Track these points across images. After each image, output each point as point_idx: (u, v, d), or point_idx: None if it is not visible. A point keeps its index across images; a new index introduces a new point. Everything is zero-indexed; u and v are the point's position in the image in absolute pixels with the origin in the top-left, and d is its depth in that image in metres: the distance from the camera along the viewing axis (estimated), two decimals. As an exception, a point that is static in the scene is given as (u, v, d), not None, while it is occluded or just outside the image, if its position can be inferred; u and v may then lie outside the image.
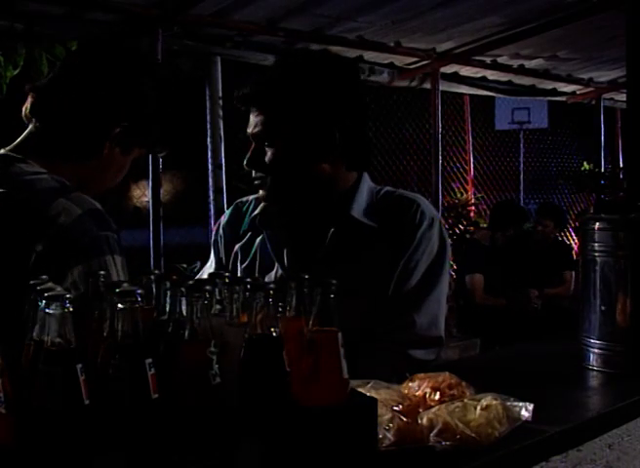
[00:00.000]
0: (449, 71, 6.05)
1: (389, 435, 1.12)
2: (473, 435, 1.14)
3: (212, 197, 5.00)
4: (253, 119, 1.70)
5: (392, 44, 5.32)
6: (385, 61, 5.65)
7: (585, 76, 6.85)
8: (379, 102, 7.22)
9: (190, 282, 0.97)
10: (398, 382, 1.32)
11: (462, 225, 7.06)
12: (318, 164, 1.69)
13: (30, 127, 1.55)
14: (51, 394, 0.84)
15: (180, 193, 8.78)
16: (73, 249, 1.37)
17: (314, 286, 1.05)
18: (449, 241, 1.81)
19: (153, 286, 1.06)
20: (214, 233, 1.94)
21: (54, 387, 0.84)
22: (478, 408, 1.19)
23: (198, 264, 4.47)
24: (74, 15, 4.12)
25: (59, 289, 0.90)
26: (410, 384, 1.30)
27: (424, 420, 1.16)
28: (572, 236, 8.39)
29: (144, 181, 5.49)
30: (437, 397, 1.26)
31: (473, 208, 7.55)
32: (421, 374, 1.33)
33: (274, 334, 1.00)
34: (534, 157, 9.40)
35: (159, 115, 1.60)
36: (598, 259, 1.72)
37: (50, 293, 0.87)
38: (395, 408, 1.18)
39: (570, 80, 6.80)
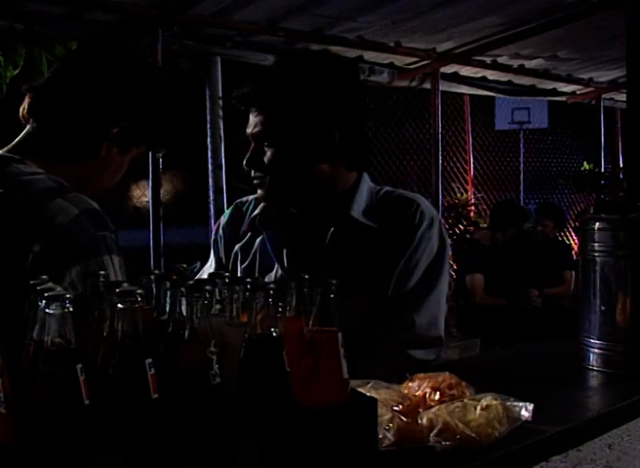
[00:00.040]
0: (449, 71, 6.05)
1: (389, 435, 1.12)
2: (473, 435, 1.14)
3: (212, 197, 5.00)
4: (252, 119, 1.70)
5: (392, 44, 5.31)
6: (385, 61, 5.65)
7: (585, 76, 6.85)
8: (379, 102, 7.22)
9: (190, 282, 0.97)
10: (398, 382, 1.32)
11: (462, 225, 7.06)
12: (318, 164, 1.69)
13: (28, 127, 1.55)
14: (51, 394, 0.84)
15: (179, 193, 8.78)
16: (71, 249, 1.37)
17: (314, 286, 1.05)
18: (448, 241, 1.81)
19: (153, 286, 1.06)
20: (213, 233, 1.94)
21: (54, 387, 0.84)
22: (478, 408, 1.19)
23: (198, 264, 4.47)
24: (74, 15, 4.12)
25: (58, 289, 0.90)
26: (410, 384, 1.30)
27: (424, 420, 1.16)
28: (572, 236, 8.39)
29: (144, 181, 5.49)
30: (437, 397, 1.26)
31: (473, 208, 7.55)
32: (421, 374, 1.33)
33: (274, 334, 1.00)
34: (534, 157, 9.40)
35: (158, 115, 1.60)
36: (598, 259, 1.72)
37: (50, 293, 0.87)
38: (395, 408, 1.18)
39: (570, 80, 6.80)
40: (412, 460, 1.12)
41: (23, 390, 0.86)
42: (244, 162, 1.73)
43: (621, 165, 7.88)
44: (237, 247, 1.85)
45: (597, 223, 1.73)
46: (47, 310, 0.86)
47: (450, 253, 1.78)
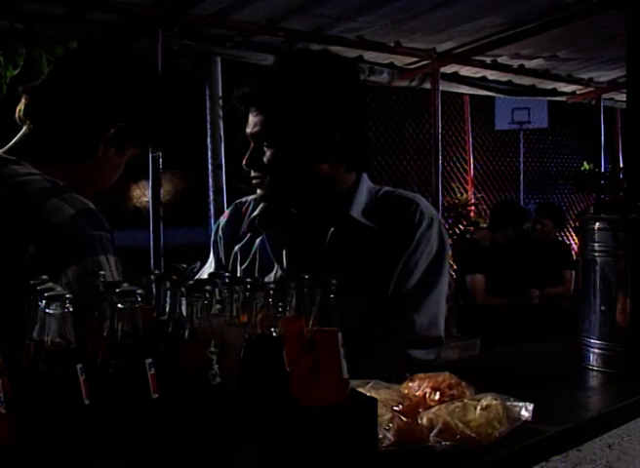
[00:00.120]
0: (449, 71, 6.05)
1: (389, 435, 1.12)
2: (473, 435, 1.14)
3: (212, 197, 5.00)
4: (252, 119, 1.70)
5: (392, 44, 5.31)
6: (385, 61, 5.65)
7: (585, 76, 6.85)
8: (379, 102, 7.22)
9: (190, 282, 0.97)
10: (398, 382, 1.32)
11: (462, 225, 7.06)
12: (317, 164, 1.69)
13: (24, 128, 1.55)
14: (51, 394, 0.84)
15: (179, 193, 8.78)
16: (67, 249, 1.37)
17: (314, 286, 1.05)
18: (448, 241, 1.81)
19: (153, 286, 1.06)
20: (213, 234, 1.94)
21: (54, 387, 0.84)
22: (478, 408, 1.19)
23: (198, 264, 4.47)
24: (74, 15, 4.12)
25: (58, 289, 0.90)
26: (410, 384, 1.30)
27: (424, 420, 1.16)
28: (572, 236, 8.39)
29: (144, 181, 5.49)
30: (437, 397, 1.26)
31: (473, 208, 7.55)
32: (421, 374, 1.33)
33: (274, 334, 1.00)
34: (534, 157, 9.40)
35: (158, 115, 1.60)
36: (598, 259, 1.72)
37: (50, 293, 0.87)
38: (395, 408, 1.18)
39: (570, 80, 6.80)
40: (412, 460, 1.12)
41: (23, 390, 0.86)
42: (243, 162, 1.73)
43: (621, 165, 7.88)
44: (237, 247, 1.85)
45: (597, 223, 1.73)
46: (47, 310, 0.86)
47: (450, 253, 1.78)
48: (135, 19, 4.25)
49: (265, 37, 4.83)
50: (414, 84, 6.07)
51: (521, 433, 1.21)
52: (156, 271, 1.08)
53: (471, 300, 5.27)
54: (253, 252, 1.82)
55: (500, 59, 5.97)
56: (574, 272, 5.40)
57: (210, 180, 5.02)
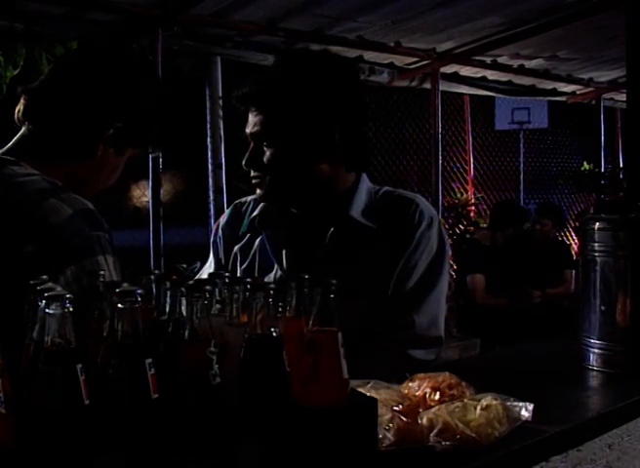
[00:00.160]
0: (449, 71, 6.05)
1: (389, 435, 1.12)
2: (473, 435, 1.14)
3: (212, 197, 5.00)
4: (252, 119, 1.70)
5: (392, 44, 5.32)
6: (385, 61, 5.65)
7: (585, 76, 6.85)
8: (379, 102, 7.22)
9: (190, 282, 0.97)
10: (398, 382, 1.32)
11: (462, 225, 7.06)
12: (317, 164, 1.69)
13: (23, 129, 1.55)
14: (51, 394, 0.84)
15: (179, 193, 8.78)
16: (65, 249, 1.37)
17: (314, 286, 1.05)
18: (448, 241, 1.81)
19: (153, 286, 1.06)
20: (213, 234, 1.94)
21: (54, 387, 0.84)
22: (478, 408, 1.19)
23: (198, 264, 4.47)
24: (74, 15, 4.12)
25: (58, 289, 0.90)
26: (410, 384, 1.30)
27: (424, 420, 1.16)
28: (572, 236, 8.39)
29: (144, 181, 5.49)
30: (437, 397, 1.26)
31: (473, 208, 7.55)
32: (421, 374, 1.33)
33: (274, 334, 1.00)
34: (534, 157, 9.41)
35: (158, 115, 1.60)
36: (598, 259, 1.72)
37: (50, 293, 0.87)
38: (395, 408, 1.18)
39: (570, 80, 6.80)
40: (412, 460, 1.12)
41: (23, 390, 0.86)
42: (243, 162, 1.73)
43: (621, 165, 7.88)
44: (236, 248, 1.85)
45: (597, 223, 1.73)
46: (47, 310, 0.86)
47: (449, 252, 1.78)
48: (135, 19, 4.25)
49: (265, 37, 4.83)
50: (414, 84, 6.07)
51: (521, 433, 1.21)
52: (156, 271, 1.08)
53: (471, 300, 5.27)
54: (252, 252, 1.82)
55: (500, 59, 5.97)
56: (574, 272, 5.40)
57: (210, 180, 5.02)
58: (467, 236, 6.56)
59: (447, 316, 1.83)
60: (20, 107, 1.55)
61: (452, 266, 5.62)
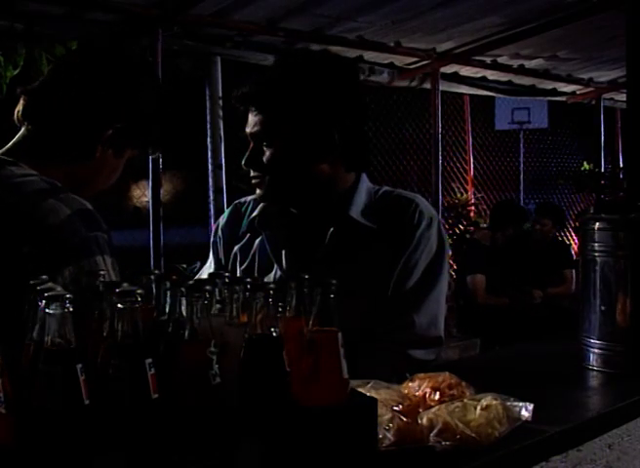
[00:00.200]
0: (449, 71, 6.05)
1: (389, 435, 1.12)
2: (473, 435, 1.14)
3: (212, 197, 5.00)
4: (251, 118, 1.70)
5: (392, 44, 5.32)
6: (385, 61, 5.65)
7: (585, 76, 6.85)
8: (379, 102, 7.22)
9: (190, 282, 0.97)
10: (398, 382, 1.32)
11: (462, 225, 7.07)
12: (317, 164, 1.69)
13: (22, 130, 1.55)
14: (51, 394, 0.84)
15: (180, 193, 8.78)
16: (63, 249, 1.37)
17: (314, 286, 1.05)
18: (448, 241, 1.81)
19: (153, 286, 1.06)
20: (212, 234, 1.94)
21: (54, 387, 0.84)
22: (478, 408, 1.19)
23: (198, 264, 4.47)
24: (74, 15, 4.12)
25: (59, 289, 0.90)
26: (410, 384, 1.30)
27: (424, 420, 1.16)
28: (572, 236, 8.40)
29: (144, 181, 5.49)
30: (437, 397, 1.26)
31: (473, 208, 7.55)
32: (421, 374, 1.33)
33: (274, 334, 1.00)
34: (534, 157, 9.41)
35: (156, 116, 1.60)
36: (598, 259, 1.72)
37: (50, 293, 0.87)
38: (395, 408, 1.18)
39: (570, 80, 6.80)
40: (412, 460, 1.12)
41: (23, 390, 0.86)
42: (243, 162, 1.73)
43: (621, 165, 7.88)
44: (236, 248, 1.85)
45: (597, 223, 1.73)
46: (47, 310, 0.86)
47: (449, 252, 1.78)
48: (135, 19, 4.25)
49: (265, 37, 4.83)
50: (414, 84, 6.07)
51: (521, 433, 1.21)
52: (156, 271, 1.08)
53: (472, 300, 5.27)
54: (252, 252, 1.82)
55: (500, 59, 5.97)
56: (574, 271, 5.40)
57: (210, 180, 5.02)
58: (467, 236, 6.56)
59: (447, 316, 1.83)
60: (19, 108, 1.55)
61: (452, 266, 5.63)
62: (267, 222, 1.79)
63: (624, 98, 4.59)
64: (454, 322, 5.37)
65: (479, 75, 6.34)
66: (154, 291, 1.05)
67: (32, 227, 1.37)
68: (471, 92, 6.68)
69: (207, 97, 4.97)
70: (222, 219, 1.93)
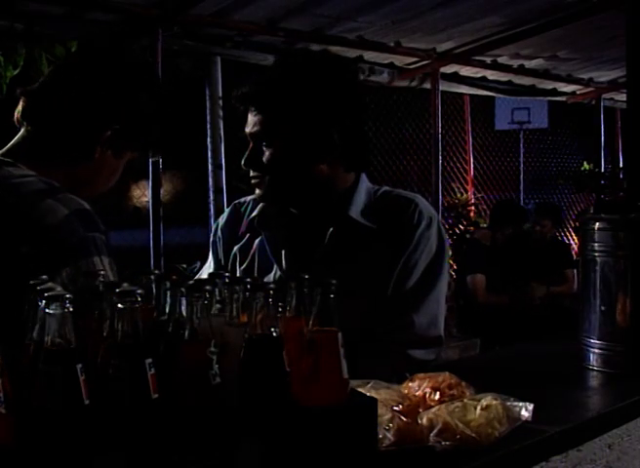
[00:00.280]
0: (449, 71, 6.05)
1: (389, 435, 1.12)
2: (473, 435, 1.14)
3: (212, 197, 5.00)
4: (251, 118, 1.70)
5: (392, 44, 5.31)
6: (385, 61, 5.65)
7: (585, 76, 6.85)
8: (379, 102, 7.22)
9: (190, 282, 0.97)
10: (398, 382, 1.32)
11: (462, 225, 7.07)
12: (316, 164, 1.69)
13: (22, 130, 1.55)
14: (51, 394, 0.84)
15: (179, 193, 8.79)
16: (61, 250, 1.37)
17: (314, 286, 1.05)
18: (448, 240, 1.81)
19: (153, 286, 1.06)
20: (212, 234, 1.94)
21: (54, 387, 0.84)
22: (478, 408, 1.19)
23: (198, 264, 4.47)
24: (74, 15, 4.12)
25: (58, 289, 0.90)
26: (410, 384, 1.30)
27: (424, 420, 1.16)
28: (572, 236, 8.40)
29: (144, 181, 5.49)
30: (437, 397, 1.26)
31: (473, 208, 7.56)
32: (421, 374, 1.33)
33: (274, 334, 1.00)
34: (534, 157, 9.41)
35: (155, 117, 1.60)
36: (598, 259, 1.72)
37: (50, 293, 0.87)
38: (395, 408, 1.18)
39: (570, 80, 6.80)
40: (412, 460, 1.12)
41: (23, 390, 0.86)
42: (242, 161, 1.73)
43: (621, 165, 7.88)
44: (236, 248, 1.85)
45: (597, 223, 1.73)
46: (47, 310, 0.86)
47: (449, 252, 1.78)
48: (135, 19, 4.25)
49: (265, 37, 4.83)
50: (414, 84, 6.07)
51: (521, 433, 1.21)
52: (156, 271, 1.08)
53: (472, 300, 5.27)
54: (252, 252, 1.81)
55: (500, 59, 5.97)
56: (575, 271, 5.40)
57: (210, 180, 5.02)
58: (467, 236, 6.56)
59: (447, 316, 1.83)
60: (19, 109, 1.55)
61: (452, 266, 5.63)
62: (267, 222, 1.79)
63: (624, 98, 4.59)
64: (454, 322, 5.37)
65: (479, 75, 6.34)
66: (154, 291, 1.05)
67: (30, 227, 1.37)
68: (471, 92, 6.68)
69: (207, 97, 4.97)
70: (222, 220, 1.93)
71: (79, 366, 0.85)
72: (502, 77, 6.45)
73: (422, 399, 1.26)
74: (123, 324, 0.89)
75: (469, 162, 8.09)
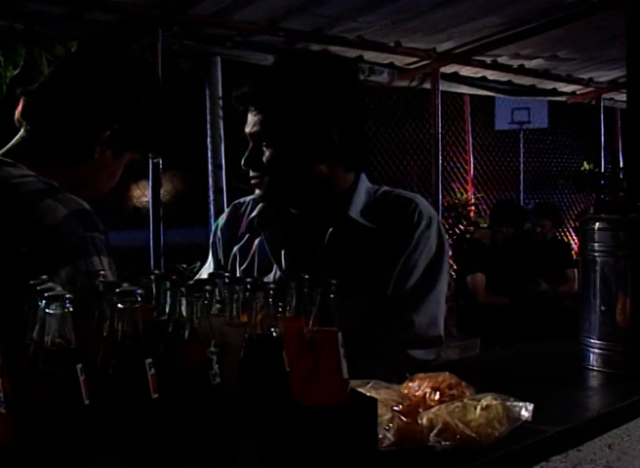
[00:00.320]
0: (449, 71, 6.05)
1: (389, 435, 1.12)
2: (473, 435, 1.14)
3: (212, 197, 5.00)
4: (251, 118, 1.69)
5: (392, 44, 5.32)
6: (385, 61, 5.65)
7: (585, 76, 6.85)
8: (379, 102, 7.22)
9: (190, 282, 0.97)
10: (398, 382, 1.32)
11: (462, 225, 7.07)
12: (316, 164, 1.69)
13: (22, 131, 1.55)
14: (51, 394, 0.84)
15: (179, 193, 8.79)
16: (60, 249, 1.37)
17: (314, 286, 1.05)
18: (447, 240, 1.81)
19: (153, 286, 1.06)
20: (212, 235, 1.94)
21: (54, 387, 0.84)
22: (478, 408, 1.19)
23: (198, 264, 4.47)
24: (74, 15, 4.12)
25: (58, 289, 0.90)
26: (410, 384, 1.30)
27: (424, 420, 1.16)
28: (572, 235, 8.40)
29: (144, 181, 5.49)
30: (437, 397, 1.26)
31: (473, 208, 7.56)
32: (421, 374, 1.33)
33: (274, 334, 1.00)
34: (534, 157, 9.41)
35: (154, 117, 1.60)
36: (598, 259, 1.72)
37: (50, 293, 0.87)
38: (395, 408, 1.18)
39: (570, 80, 6.80)
40: (412, 460, 1.12)
41: (23, 390, 0.86)
42: (242, 162, 1.72)
43: (621, 165, 7.88)
44: (235, 248, 1.85)
45: (597, 223, 1.73)
46: (47, 310, 0.86)
47: (449, 252, 1.78)
48: (135, 19, 4.25)
49: (265, 37, 4.83)
50: (414, 84, 6.07)
51: (521, 433, 1.21)
52: (156, 271, 1.08)
53: (472, 300, 5.27)
54: (251, 252, 1.81)
55: (500, 59, 5.97)
56: (575, 270, 5.40)
57: (210, 180, 5.02)
58: (467, 236, 6.56)
59: (447, 316, 1.83)
60: (19, 109, 1.55)
61: (452, 266, 5.63)
62: (267, 222, 1.79)
63: (624, 98, 4.59)
64: (454, 322, 5.37)
65: (479, 75, 6.34)
66: (154, 291, 1.06)
67: (30, 227, 1.37)
68: (471, 92, 6.68)
69: (207, 97, 4.97)
70: (222, 220, 1.93)
71: (79, 366, 0.85)
72: (502, 77, 6.45)
73: (422, 399, 1.26)
74: (123, 324, 0.89)
75: (469, 162, 8.09)
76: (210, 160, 4.99)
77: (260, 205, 1.80)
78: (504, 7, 4.73)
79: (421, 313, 1.69)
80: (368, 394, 1.14)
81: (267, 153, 1.68)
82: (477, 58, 5.85)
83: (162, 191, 4.59)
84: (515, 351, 2.11)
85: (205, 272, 1.91)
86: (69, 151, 1.53)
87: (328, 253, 1.71)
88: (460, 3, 4.59)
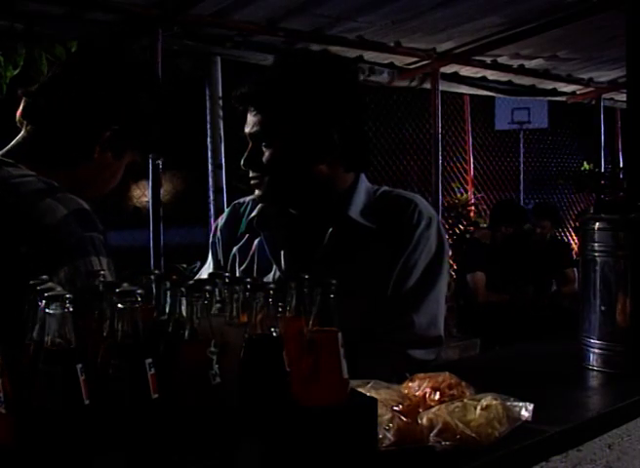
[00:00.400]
0: (449, 71, 6.05)
1: (389, 435, 1.12)
2: (473, 435, 1.14)
3: (212, 197, 5.00)
4: (250, 118, 1.69)
5: (392, 44, 5.32)
6: (385, 61, 5.65)
7: (585, 76, 6.85)
8: (379, 102, 7.22)
9: (190, 282, 0.97)
10: (398, 382, 1.32)
11: (462, 225, 7.07)
12: (316, 165, 1.69)
13: (23, 131, 1.55)
14: (51, 394, 0.84)
15: (180, 193, 8.79)
16: (59, 249, 1.37)
17: (314, 286, 1.05)
18: (447, 240, 1.81)
19: (153, 286, 1.06)
20: (211, 235, 1.94)
21: (54, 387, 0.84)
22: (478, 408, 1.19)
23: (198, 264, 4.47)
24: (74, 15, 4.12)
25: (58, 289, 0.90)
26: (410, 384, 1.30)
27: (424, 420, 1.16)
28: (572, 236, 8.40)
29: (144, 181, 5.49)
30: (437, 397, 1.26)
31: (473, 208, 7.56)
32: (421, 374, 1.33)
33: (274, 334, 1.00)
34: (534, 157, 9.42)
35: (155, 117, 1.60)
36: (598, 259, 1.72)
37: (50, 293, 0.87)
38: (395, 408, 1.18)
39: (570, 80, 6.80)
40: (412, 460, 1.12)
41: (23, 390, 0.86)
42: (242, 162, 1.72)
43: (621, 165, 7.89)
44: (235, 249, 1.85)
45: (597, 223, 1.73)
46: (47, 310, 0.86)
47: (449, 252, 1.78)
48: (135, 19, 4.25)
49: (265, 37, 4.83)
50: (414, 84, 6.07)
51: (521, 433, 1.21)
52: (156, 271, 1.08)
53: (473, 299, 5.27)
54: (251, 253, 1.81)
55: (500, 59, 5.97)
56: (576, 270, 5.41)
57: (210, 180, 5.02)
58: (467, 236, 6.56)
59: (447, 316, 1.83)
60: (20, 109, 1.55)
61: (452, 266, 5.63)
62: (266, 223, 1.79)
63: (624, 98, 4.59)
64: (454, 322, 5.37)
65: (479, 75, 6.34)
66: (154, 291, 1.06)
67: (30, 227, 1.37)
68: (471, 92, 6.68)
69: (207, 97, 4.97)
70: (221, 220, 1.93)
71: (79, 366, 0.85)
72: (502, 77, 6.45)
73: (422, 399, 1.26)
74: (123, 324, 0.89)
75: (469, 162, 8.09)
76: (210, 160, 5.00)
77: (259, 205, 1.80)
78: (504, 7, 4.73)
79: (421, 313, 1.69)
80: (368, 394, 1.14)
81: (267, 153, 1.68)
82: (477, 58, 5.85)
83: (162, 191, 4.59)
84: (515, 351, 2.11)
85: (205, 272, 1.91)
86: (70, 151, 1.53)
87: (328, 253, 1.71)
88: (459, 3, 4.60)
